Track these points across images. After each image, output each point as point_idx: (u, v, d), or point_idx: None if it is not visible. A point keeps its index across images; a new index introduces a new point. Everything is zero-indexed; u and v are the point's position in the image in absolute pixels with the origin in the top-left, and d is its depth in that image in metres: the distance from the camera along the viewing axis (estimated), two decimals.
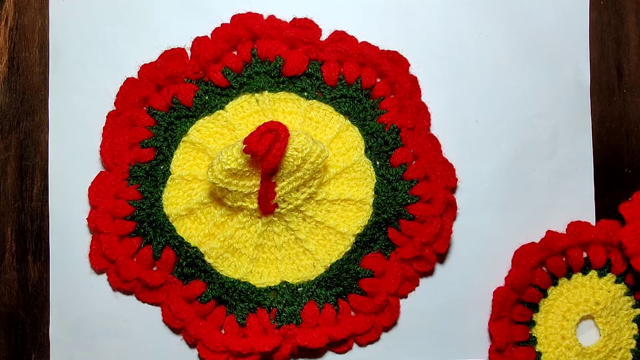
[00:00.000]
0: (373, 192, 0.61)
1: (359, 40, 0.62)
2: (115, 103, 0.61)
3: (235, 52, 0.62)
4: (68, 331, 0.61)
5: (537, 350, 0.61)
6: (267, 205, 0.59)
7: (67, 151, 0.61)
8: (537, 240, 0.61)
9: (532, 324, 0.61)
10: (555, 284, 0.61)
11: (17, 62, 0.62)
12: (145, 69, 0.61)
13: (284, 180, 0.58)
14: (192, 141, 0.61)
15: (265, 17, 0.62)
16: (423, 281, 0.62)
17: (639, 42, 0.63)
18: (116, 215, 0.60)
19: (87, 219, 0.61)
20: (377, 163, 0.61)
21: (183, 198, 0.61)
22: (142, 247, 0.60)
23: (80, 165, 0.61)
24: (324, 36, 0.62)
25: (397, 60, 0.61)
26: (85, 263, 0.61)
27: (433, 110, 0.62)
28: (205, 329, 0.60)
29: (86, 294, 0.61)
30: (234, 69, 0.61)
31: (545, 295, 0.61)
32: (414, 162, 0.61)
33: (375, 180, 0.61)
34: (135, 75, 0.61)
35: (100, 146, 0.61)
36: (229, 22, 0.62)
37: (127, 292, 0.61)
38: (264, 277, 0.61)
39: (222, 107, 0.61)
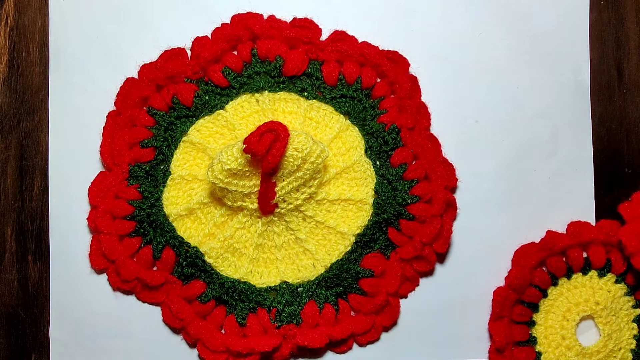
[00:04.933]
0: (373, 192, 0.61)
1: (359, 40, 0.62)
2: (115, 103, 0.61)
3: (235, 52, 0.62)
4: (68, 331, 0.61)
5: (537, 350, 0.61)
6: (267, 205, 0.59)
7: (67, 151, 0.61)
8: (537, 240, 0.61)
9: (532, 324, 0.61)
10: (555, 284, 0.61)
11: (17, 62, 0.62)
12: (145, 69, 0.61)
13: (284, 180, 0.58)
14: (192, 141, 0.61)
15: (265, 17, 0.62)
16: (423, 281, 0.62)
17: (639, 42, 0.63)
18: (116, 215, 0.60)
19: (87, 219, 0.61)
20: (377, 163, 0.61)
21: (183, 198, 0.61)
22: (142, 247, 0.60)
23: (80, 165, 0.61)
24: (324, 36, 0.62)
25: (397, 60, 0.61)
26: (85, 263, 0.61)
27: (433, 110, 0.62)
28: (205, 329, 0.60)
29: (86, 294, 0.61)
30: (234, 69, 0.61)
31: (545, 295, 0.61)
32: (414, 162, 0.61)
33: (375, 180, 0.61)
34: (135, 75, 0.61)
35: (100, 146, 0.61)
36: (229, 22, 0.62)
37: (127, 292, 0.61)
38: (264, 277, 0.61)
39: (222, 107, 0.61)
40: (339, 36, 0.61)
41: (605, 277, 0.61)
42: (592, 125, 0.63)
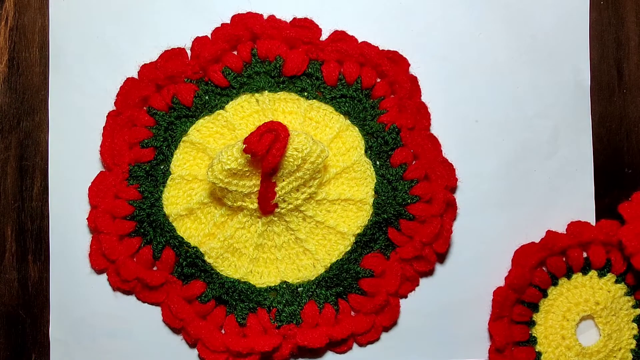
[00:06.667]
0: (373, 192, 0.61)
1: (359, 40, 0.62)
2: (115, 103, 0.61)
3: (235, 52, 0.62)
4: (68, 331, 0.61)
5: (537, 350, 0.61)
6: (267, 205, 0.59)
7: (67, 151, 0.61)
8: (537, 240, 0.61)
9: (532, 324, 0.61)
10: (555, 284, 0.61)
11: (17, 62, 0.62)
12: (145, 69, 0.61)
13: (284, 180, 0.58)
14: (192, 141, 0.61)
15: (265, 17, 0.62)
16: (423, 281, 0.62)
17: (639, 42, 0.63)
18: (116, 215, 0.60)
19: (87, 219, 0.61)
20: (377, 163, 0.61)
21: (183, 198, 0.61)
22: (142, 247, 0.60)
23: (80, 165, 0.61)
24: (324, 36, 0.62)
25: (397, 60, 0.61)
26: (85, 263, 0.61)
27: (433, 110, 0.62)
28: (205, 329, 0.60)
29: (86, 294, 0.61)
30: (234, 69, 0.61)
31: (545, 295, 0.61)
32: (414, 162, 0.61)
33: (375, 180, 0.61)
34: (135, 75, 0.61)
35: (100, 146, 0.61)
36: (229, 22, 0.62)
37: (127, 292, 0.61)
38: (264, 277, 0.61)
39: (222, 107, 0.61)
40: (339, 36, 0.61)
41: (605, 277, 0.61)
42: (592, 125, 0.63)
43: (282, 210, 0.59)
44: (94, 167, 0.61)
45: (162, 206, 0.60)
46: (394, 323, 0.61)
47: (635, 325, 0.61)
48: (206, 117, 0.61)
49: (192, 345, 0.61)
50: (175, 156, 0.61)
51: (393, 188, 0.60)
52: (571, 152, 0.62)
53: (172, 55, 0.61)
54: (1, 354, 0.61)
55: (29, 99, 0.62)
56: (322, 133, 0.61)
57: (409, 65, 0.62)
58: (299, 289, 0.61)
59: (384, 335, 0.61)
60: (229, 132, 0.61)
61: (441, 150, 0.61)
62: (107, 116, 0.61)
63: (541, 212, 0.62)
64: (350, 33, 0.62)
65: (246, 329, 0.60)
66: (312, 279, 0.61)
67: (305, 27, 0.61)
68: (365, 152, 0.61)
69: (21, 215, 0.62)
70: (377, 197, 0.60)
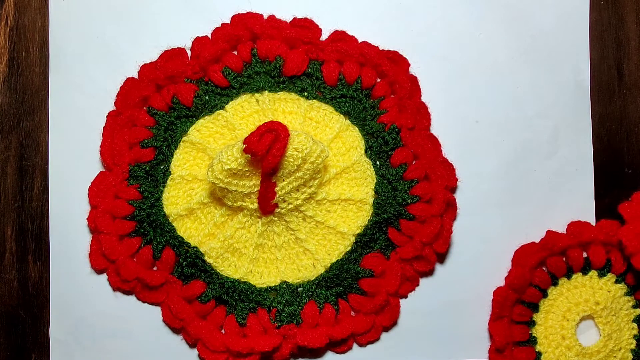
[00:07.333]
0: (373, 192, 0.61)
1: (359, 40, 0.62)
2: (115, 103, 0.61)
3: (235, 52, 0.62)
4: (68, 331, 0.61)
5: (537, 350, 0.61)
6: (267, 205, 0.59)
7: (67, 151, 0.61)
8: (537, 240, 0.61)
9: (532, 324, 0.61)
10: (555, 284, 0.61)
11: (17, 62, 0.62)
12: (145, 69, 0.61)
13: (284, 180, 0.58)
14: (192, 141, 0.61)
15: (265, 17, 0.62)
16: (423, 281, 0.62)
17: (639, 42, 0.63)
18: (116, 215, 0.60)
19: (87, 219, 0.61)
20: (377, 163, 0.61)
21: (183, 198, 0.61)
22: (142, 247, 0.60)
23: (80, 165, 0.61)
24: (324, 36, 0.62)
25: (397, 60, 0.62)
26: (85, 263, 0.61)
27: (433, 110, 0.62)
28: (205, 329, 0.60)
29: (86, 294, 0.61)
30: (234, 69, 0.61)
31: (545, 295, 0.61)
32: (414, 162, 0.61)
33: (375, 180, 0.61)
34: (135, 75, 0.61)
35: (100, 146, 0.61)
36: (229, 22, 0.62)
37: (127, 292, 0.61)
38: (264, 277, 0.61)
39: (222, 107, 0.61)
40: (339, 36, 0.61)
41: (605, 277, 0.61)
42: (592, 125, 0.63)
43: (282, 210, 0.59)
44: (94, 167, 0.61)
45: (162, 206, 0.60)
46: (394, 323, 0.61)
47: (635, 325, 0.61)
48: (206, 117, 0.61)
49: (192, 345, 0.61)
50: (175, 156, 0.61)
51: (393, 188, 0.60)
52: (571, 152, 0.62)
53: (172, 55, 0.61)
54: (1, 354, 0.61)
55: (29, 99, 0.62)
56: (322, 133, 0.61)
57: (409, 65, 0.62)
58: (299, 289, 0.61)
59: (384, 335, 0.61)
60: (229, 132, 0.61)
61: (441, 150, 0.61)
62: (107, 116, 0.61)
63: (541, 212, 0.62)
64: (350, 33, 0.62)
65: (246, 329, 0.60)
66: (312, 279, 0.61)
67: (305, 27, 0.61)
68: (365, 152, 0.61)
69: (21, 215, 0.62)
70: (377, 197, 0.60)
